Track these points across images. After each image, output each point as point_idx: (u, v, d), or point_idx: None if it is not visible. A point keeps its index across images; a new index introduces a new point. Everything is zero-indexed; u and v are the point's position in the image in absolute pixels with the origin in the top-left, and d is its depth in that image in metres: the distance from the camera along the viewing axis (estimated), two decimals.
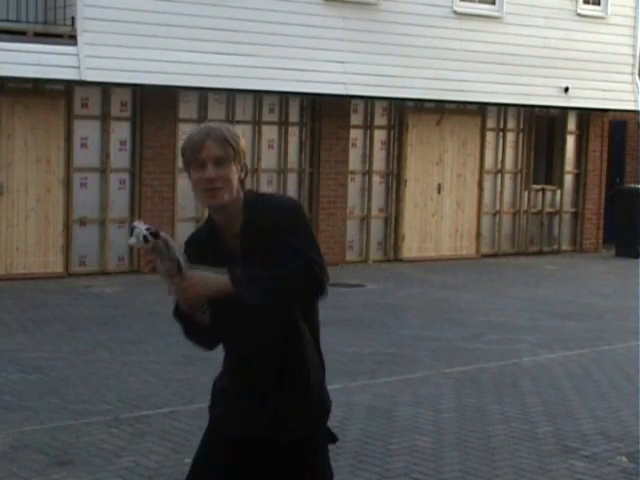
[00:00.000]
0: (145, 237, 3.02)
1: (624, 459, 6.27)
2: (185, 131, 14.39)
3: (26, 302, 11.59)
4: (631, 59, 18.13)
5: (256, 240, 3.18)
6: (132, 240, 3.06)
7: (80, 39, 12.83)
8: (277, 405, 3.25)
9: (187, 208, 14.54)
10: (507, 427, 6.89)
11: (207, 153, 3.16)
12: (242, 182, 3.25)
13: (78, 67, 12.77)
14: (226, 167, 3.17)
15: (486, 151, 17.39)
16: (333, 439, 3.43)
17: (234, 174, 3.19)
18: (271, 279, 3.10)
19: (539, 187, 18.23)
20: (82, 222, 13.74)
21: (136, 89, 13.84)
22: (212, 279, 3.11)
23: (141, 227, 3.04)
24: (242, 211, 3.23)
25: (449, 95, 16.05)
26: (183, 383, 7.92)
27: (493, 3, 16.61)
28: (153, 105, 14.00)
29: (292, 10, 14.48)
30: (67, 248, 13.58)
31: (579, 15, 17.53)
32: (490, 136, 17.47)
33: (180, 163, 12.85)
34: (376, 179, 16.31)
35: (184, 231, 14.42)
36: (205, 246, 3.28)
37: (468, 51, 16.05)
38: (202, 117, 14.54)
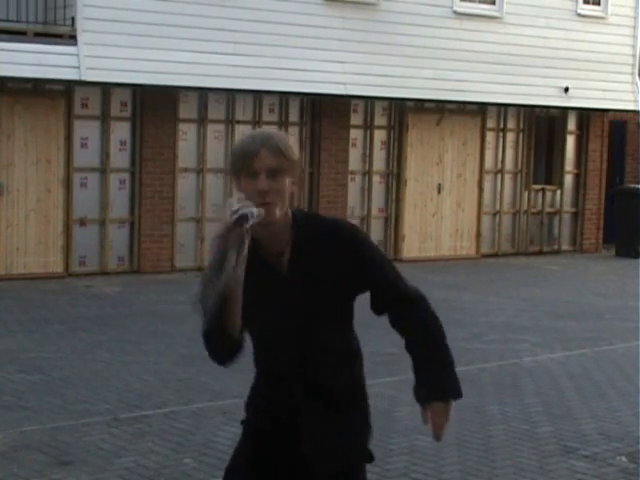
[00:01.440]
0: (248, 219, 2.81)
1: (624, 459, 6.27)
2: (185, 131, 14.43)
3: (26, 302, 11.59)
4: (631, 59, 18.13)
5: (307, 263, 3.05)
6: (252, 211, 2.83)
7: (80, 39, 12.82)
8: (310, 436, 3.16)
9: (187, 208, 14.54)
10: (507, 427, 6.89)
11: (261, 163, 2.95)
12: (292, 196, 3.08)
13: (78, 67, 12.77)
14: (280, 179, 2.97)
15: (486, 151, 17.39)
16: (370, 458, 3.38)
17: (287, 187, 2.99)
18: (448, 361, 3.30)
19: (539, 187, 18.23)
20: (82, 222, 13.73)
21: (136, 89, 13.84)
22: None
23: (252, 211, 2.84)
24: (289, 228, 3.06)
25: (449, 95, 16.04)
26: (183, 383, 7.92)
27: (493, 3, 16.61)
28: (153, 105, 14.00)
29: (292, 10, 14.48)
30: (67, 248, 13.57)
31: (579, 15, 17.53)
32: (490, 136, 17.47)
33: (180, 163, 12.85)
34: (376, 179, 16.31)
35: (184, 231, 14.46)
36: (254, 266, 3.03)
37: (468, 51, 16.05)
38: (202, 117, 14.55)
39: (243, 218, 2.82)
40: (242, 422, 3.35)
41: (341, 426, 3.22)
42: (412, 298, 3.25)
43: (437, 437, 3.20)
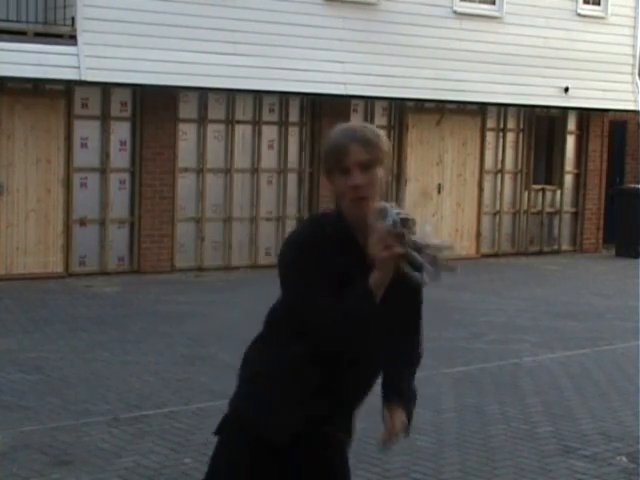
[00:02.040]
0: (395, 222, 2.79)
1: (624, 459, 6.27)
2: (185, 131, 14.43)
3: (26, 302, 11.59)
4: (631, 59, 18.13)
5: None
6: (387, 222, 2.79)
7: (80, 39, 12.82)
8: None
9: (187, 208, 14.53)
10: (507, 427, 6.89)
11: (352, 158, 2.91)
12: (385, 186, 3.05)
13: (78, 67, 12.77)
14: (372, 172, 2.93)
15: (486, 151, 17.39)
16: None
17: (381, 179, 2.96)
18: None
19: (539, 187, 18.23)
20: (82, 222, 13.73)
21: (136, 89, 13.84)
22: None
23: (393, 211, 2.83)
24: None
25: (449, 95, 16.04)
26: (183, 383, 7.92)
27: (493, 3, 16.61)
28: (153, 105, 14.00)
29: (292, 10, 14.48)
30: (67, 248, 13.57)
31: (579, 15, 17.53)
32: (490, 136, 17.47)
33: (180, 163, 12.88)
34: None
35: (184, 231, 14.46)
36: (337, 245, 2.98)
37: (468, 51, 16.05)
38: (202, 117, 14.55)
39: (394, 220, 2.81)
40: (222, 430, 3.25)
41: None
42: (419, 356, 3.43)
43: (386, 442, 3.20)
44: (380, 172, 2.96)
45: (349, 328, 2.87)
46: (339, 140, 2.95)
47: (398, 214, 2.82)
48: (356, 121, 2.93)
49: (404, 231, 2.81)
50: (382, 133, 3.02)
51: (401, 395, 3.21)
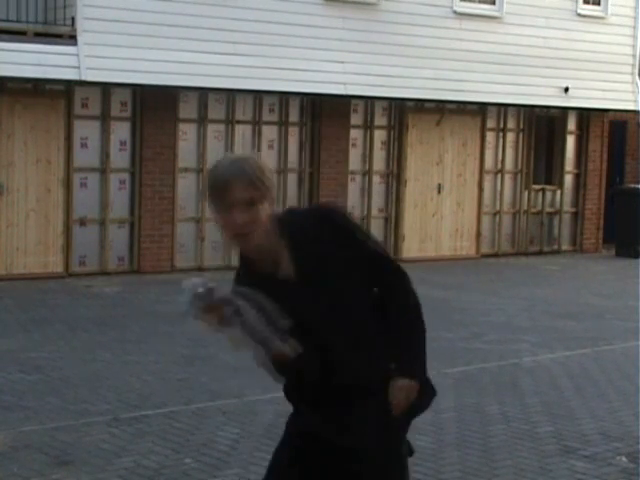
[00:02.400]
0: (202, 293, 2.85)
1: (624, 459, 6.27)
2: (185, 131, 14.43)
3: (26, 302, 11.59)
4: (631, 59, 18.13)
5: (310, 263, 3.07)
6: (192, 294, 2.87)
7: (80, 39, 12.82)
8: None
9: (187, 208, 14.53)
10: (507, 427, 6.89)
11: (234, 197, 2.95)
12: (270, 216, 3.07)
13: (78, 67, 12.77)
14: (255, 208, 2.97)
15: (486, 151, 17.39)
16: (410, 451, 3.44)
17: (264, 212, 2.99)
18: (418, 326, 3.29)
19: (539, 187, 18.23)
20: (82, 222, 13.73)
21: (136, 89, 13.84)
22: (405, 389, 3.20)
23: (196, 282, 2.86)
24: (278, 238, 3.07)
25: (449, 95, 16.04)
26: (183, 383, 7.92)
27: (493, 3, 16.61)
28: (153, 105, 14.00)
29: (292, 10, 14.48)
30: (67, 248, 13.57)
31: (579, 15, 17.53)
32: (490, 136, 17.47)
33: (180, 163, 12.88)
34: (376, 179, 16.31)
35: (184, 231, 14.45)
36: (254, 280, 3.07)
37: (468, 51, 16.05)
38: (202, 117, 14.55)
39: (211, 295, 2.86)
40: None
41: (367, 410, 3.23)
42: (399, 273, 3.25)
43: (394, 411, 3.21)
44: (260, 208, 2.98)
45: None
46: (221, 177, 2.98)
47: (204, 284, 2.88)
48: (241, 153, 2.99)
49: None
50: (265, 166, 3.04)
51: (396, 358, 3.22)
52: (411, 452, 3.34)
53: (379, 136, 16.30)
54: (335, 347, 3.10)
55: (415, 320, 3.28)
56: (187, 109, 14.49)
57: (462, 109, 17.02)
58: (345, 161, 15.80)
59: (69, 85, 13.27)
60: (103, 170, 13.82)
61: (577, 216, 18.79)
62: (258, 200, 2.97)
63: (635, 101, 18.16)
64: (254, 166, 3.00)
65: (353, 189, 16.04)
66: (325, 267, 3.06)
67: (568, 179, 18.67)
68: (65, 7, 13.06)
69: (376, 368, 3.19)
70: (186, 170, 14.45)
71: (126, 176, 14.05)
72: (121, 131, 13.95)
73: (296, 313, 3.03)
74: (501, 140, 17.63)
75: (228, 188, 2.95)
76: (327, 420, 3.17)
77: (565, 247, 18.65)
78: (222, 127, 14.79)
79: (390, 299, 3.23)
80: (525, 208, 18.01)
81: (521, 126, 17.88)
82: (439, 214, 16.91)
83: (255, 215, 2.97)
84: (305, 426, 3.22)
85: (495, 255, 17.52)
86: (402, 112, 16.38)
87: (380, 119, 16.30)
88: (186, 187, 14.51)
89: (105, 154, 13.79)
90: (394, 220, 16.47)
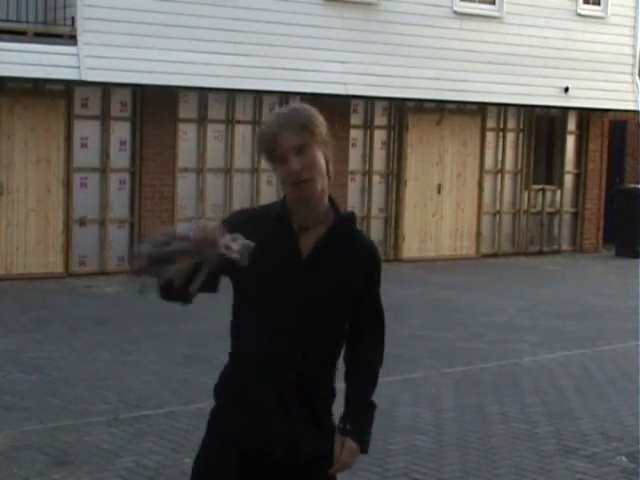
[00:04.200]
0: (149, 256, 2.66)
1: (624, 459, 6.27)
2: (185, 131, 14.43)
3: (26, 302, 11.59)
4: (631, 59, 18.13)
5: (333, 253, 2.98)
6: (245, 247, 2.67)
7: (80, 39, 12.83)
8: (297, 421, 3.03)
9: (187, 208, 14.53)
10: (507, 427, 6.89)
11: (284, 146, 2.89)
12: (328, 168, 2.96)
13: (78, 67, 12.77)
14: (309, 153, 2.89)
15: (486, 151, 17.39)
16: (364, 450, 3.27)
17: (320, 158, 2.91)
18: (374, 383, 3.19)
19: (539, 187, 18.23)
20: (82, 222, 13.73)
21: (136, 89, 13.84)
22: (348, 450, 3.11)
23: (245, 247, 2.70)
24: (327, 210, 3.00)
25: (449, 95, 16.05)
26: (183, 383, 7.92)
27: (493, 3, 16.61)
28: (153, 105, 14.00)
29: (292, 10, 14.48)
30: (67, 248, 13.57)
31: (579, 15, 17.53)
32: (490, 136, 17.47)
33: (180, 163, 12.87)
34: (376, 179, 16.31)
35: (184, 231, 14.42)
36: (264, 226, 2.96)
37: (468, 51, 16.05)
38: (202, 117, 14.55)
39: (238, 253, 2.68)
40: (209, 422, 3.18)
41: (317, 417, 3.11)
42: (381, 324, 3.23)
43: (338, 469, 3.14)
44: (316, 152, 2.91)
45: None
46: (269, 128, 2.95)
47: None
48: (294, 104, 2.85)
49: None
50: (316, 114, 2.97)
51: (354, 418, 3.15)
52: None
53: (379, 136, 16.30)
54: (302, 342, 2.99)
55: (376, 377, 3.24)
56: (187, 109, 14.49)
57: (462, 109, 17.02)
58: (345, 161, 15.80)
59: (69, 85, 13.27)
60: (103, 170, 13.82)
61: (577, 216, 18.79)
62: (311, 144, 2.90)
63: (635, 101, 18.16)
64: (304, 112, 2.96)
65: (353, 189, 16.04)
66: (337, 272, 3.00)
67: (568, 179, 18.67)
68: (65, 7, 13.06)
69: (328, 370, 3.11)
70: (186, 170, 14.45)
71: (126, 176, 14.05)
72: (121, 131, 13.95)
73: (285, 288, 2.96)
74: (501, 140, 17.63)
75: (278, 137, 2.90)
76: (279, 428, 3.02)
77: (565, 247, 18.65)
78: (222, 127, 14.79)
79: (367, 343, 3.20)
80: (525, 208, 18.01)
81: (521, 126, 17.88)
82: (439, 214, 16.91)
83: (312, 159, 2.90)
84: (248, 442, 3.04)
85: (495, 255, 17.52)
86: (402, 112, 16.38)
87: (380, 119, 16.30)
88: (186, 187, 14.51)
89: (105, 154, 13.79)
90: (394, 220, 16.47)
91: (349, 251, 3.02)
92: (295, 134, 2.89)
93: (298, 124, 2.90)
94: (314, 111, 2.98)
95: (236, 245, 2.66)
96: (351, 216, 3.12)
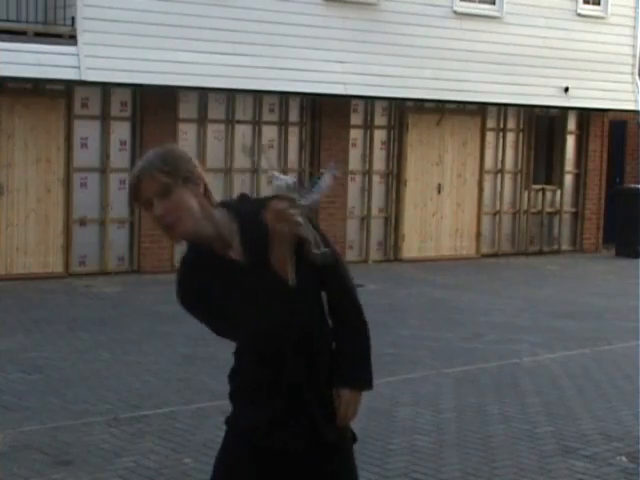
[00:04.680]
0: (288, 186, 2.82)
1: (624, 459, 6.27)
2: (185, 131, 14.43)
3: (26, 302, 11.59)
4: (631, 59, 18.13)
5: (259, 244, 3.00)
6: (280, 184, 2.82)
7: (80, 39, 12.82)
8: (313, 412, 3.09)
9: None
10: (507, 427, 6.89)
11: (145, 193, 2.93)
12: (207, 195, 3.00)
13: (78, 67, 12.77)
14: (171, 196, 2.91)
15: (486, 151, 17.39)
16: (354, 438, 3.33)
17: (184, 197, 2.92)
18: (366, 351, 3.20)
19: (539, 187, 18.23)
20: (82, 222, 13.73)
21: (136, 89, 13.84)
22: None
23: (283, 177, 2.84)
24: (228, 220, 3.02)
25: (449, 95, 16.05)
26: (183, 383, 7.92)
27: (493, 3, 16.61)
28: (153, 105, 14.00)
29: (292, 10, 14.48)
30: (67, 248, 13.57)
31: (579, 15, 17.53)
32: (490, 136, 17.47)
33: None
34: (376, 179, 16.31)
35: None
36: (203, 267, 3.05)
37: (468, 51, 16.05)
38: (202, 117, 14.55)
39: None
40: (226, 422, 3.25)
41: (329, 403, 3.16)
42: (348, 295, 3.24)
43: (340, 422, 3.16)
44: (181, 191, 2.92)
45: None
46: (133, 177, 2.98)
47: (290, 180, 2.84)
48: (160, 147, 2.90)
49: (295, 196, 2.84)
50: (180, 152, 3.01)
51: (340, 364, 3.15)
52: (355, 438, 3.31)
53: (379, 136, 16.30)
54: (283, 336, 3.05)
55: (364, 333, 3.24)
56: (187, 109, 14.49)
57: (462, 109, 17.02)
58: (345, 161, 15.80)
59: (69, 85, 13.27)
60: (103, 170, 13.82)
61: (577, 216, 18.79)
62: (171, 187, 2.91)
63: (635, 101, 18.16)
64: (160, 156, 2.97)
65: (353, 189, 16.04)
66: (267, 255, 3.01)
67: (568, 179, 18.67)
68: (65, 7, 13.06)
69: (323, 365, 3.13)
70: None
71: (126, 176, 14.02)
72: (121, 131, 13.95)
73: (245, 295, 3.00)
74: (501, 140, 17.63)
75: (139, 185, 2.94)
76: (283, 421, 3.09)
77: (565, 247, 18.65)
78: (222, 127, 14.79)
79: (340, 309, 3.20)
80: (525, 208, 18.01)
81: (521, 126, 17.88)
82: (439, 214, 16.91)
83: (174, 202, 2.91)
84: (264, 439, 3.11)
85: (495, 255, 17.52)
86: (402, 112, 16.38)
87: (380, 119, 16.30)
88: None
89: (105, 154, 13.79)
90: (394, 220, 16.47)
91: (263, 230, 3.00)
92: (153, 181, 2.91)
93: (151, 172, 2.92)
94: (176, 151, 3.01)
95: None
96: (235, 202, 3.11)
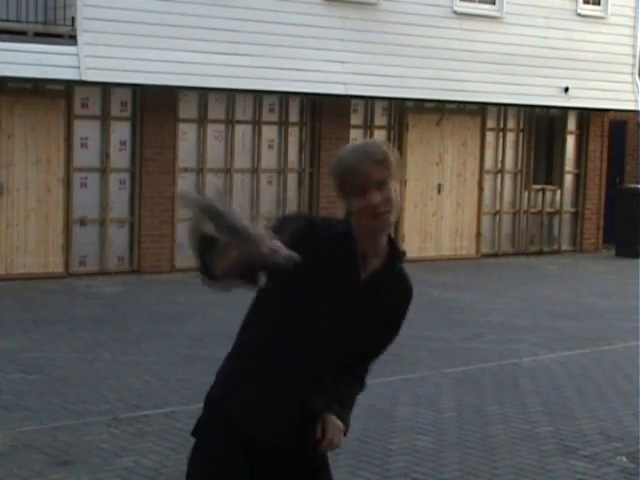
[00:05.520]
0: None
1: (624, 459, 6.27)
2: (185, 131, 14.43)
3: (26, 302, 11.59)
4: (631, 59, 18.13)
5: (383, 287, 3.11)
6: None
7: (80, 39, 12.82)
8: (304, 416, 3.13)
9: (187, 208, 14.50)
10: (507, 427, 6.89)
11: (368, 178, 2.98)
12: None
13: (78, 67, 12.77)
14: (387, 187, 3.00)
15: (486, 151, 17.39)
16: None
17: (395, 193, 3.04)
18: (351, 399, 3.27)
19: (539, 187, 18.23)
20: (82, 222, 13.73)
21: (136, 89, 13.84)
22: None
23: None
24: (384, 247, 3.12)
25: (449, 95, 16.05)
26: (183, 383, 7.92)
27: (493, 3, 16.61)
28: (153, 105, 14.00)
29: (292, 10, 14.48)
30: (67, 248, 13.57)
31: (579, 15, 17.53)
32: (490, 136, 17.47)
33: (180, 163, 12.86)
34: None
35: (184, 231, 14.44)
36: (327, 243, 3.06)
37: (468, 51, 16.05)
38: (202, 117, 14.55)
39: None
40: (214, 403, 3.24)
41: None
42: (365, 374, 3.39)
43: (323, 448, 3.18)
44: (394, 186, 3.04)
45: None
46: (353, 162, 3.02)
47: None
48: (364, 139, 2.95)
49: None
50: (390, 147, 3.09)
51: (337, 399, 3.21)
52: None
53: (379, 136, 16.27)
54: (326, 360, 3.12)
55: (361, 389, 3.35)
56: (187, 109, 14.49)
57: (462, 109, 17.02)
58: None
59: (69, 85, 13.27)
60: (103, 170, 13.82)
61: (577, 216, 18.79)
62: (390, 179, 3.02)
63: (635, 101, 18.16)
64: (383, 146, 3.07)
65: None
66: (383, 304, 3.14)
67: (568, 179, 18.67)
68: (65, 7, 13.06)
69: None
70: (186, 170, 14.45)
71: (126, 176, 14.05)
72: (121, 131, 13.95)
73: (334, 308, 3.05)
74: (501, 140, 17.63)
75: (363, 170, 2.99)
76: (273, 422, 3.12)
77: (565, 247, 18.65)
78: (222, 127, 14.79)
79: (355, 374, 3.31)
80: (525, 208, 18.01)
81: (521, 126, 17.88)
82: (439, 214, 16.91)
83: (389, 194, 3.01)
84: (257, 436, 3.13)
85: (495, 255, 17.52)
86: (402, 112, 16.38)
87: (380, 119, 16.30)
88: (186, 187, 14.49)
89: (105, 154, 13.79)
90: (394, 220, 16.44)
91: (395, 290, 3.18)
92: (378, 169, 2.99)
93: (381, 159, 3.01)
94: (390, 146, 3.11)
95: (283, 251, 2.73)
96: (402, 255, 3.23)
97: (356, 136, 15.99)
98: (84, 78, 12.82)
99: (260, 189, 15.07)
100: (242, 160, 14.96)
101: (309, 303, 3.05)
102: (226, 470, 3.10)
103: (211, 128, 14.68)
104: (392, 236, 3.19)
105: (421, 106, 16.54)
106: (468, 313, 11.62)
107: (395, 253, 3.16)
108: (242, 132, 14.95)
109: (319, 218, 3.31)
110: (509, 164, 17.80)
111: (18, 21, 12.81)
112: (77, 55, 12.78)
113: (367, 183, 2.98)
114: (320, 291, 3.05)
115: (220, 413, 3.16)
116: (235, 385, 3.16)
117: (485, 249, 17.52)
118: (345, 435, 3.22)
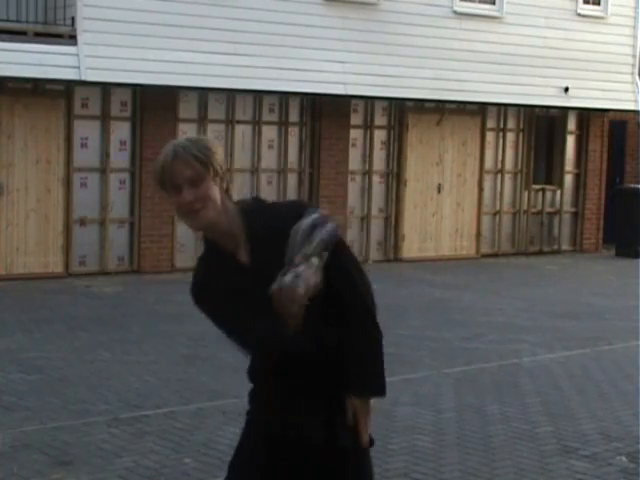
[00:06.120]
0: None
1: (624, 459, 6.27)
2: (185, 131, 14.42)
3: (26, 302, 11.59)
4: (631, 59, 18.13)
5: (264, 250, 3.02)
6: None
7: (80, 39, 12.83)
8: (332, 409, 3.13)
9: None
10: (507, 427, 6.89)
11: (178, 176, 2.99)
12: (227, 192, 3.08)
13: (78, 67, 12.77)
14: (202, 185, 2.98)
15: (486, 151, 17.39)
16: (372, 442, 3.36)
17: (212, 189, 2.99)
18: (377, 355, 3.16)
19: (539, 187, 18.23)
20: (82, 222, 13.73)
21: (136, 89, 13.84)
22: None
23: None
24: (239, 220, 3.06)
25: (449, 95, 16.05)
26: (183, 383, 7.92)
27: (493, 3, 16.61)
28: (153, 105, 14.00)
29: (292, 10, 14.48)
30: (67, 248, 13.57)
31: (579, 15, 17.53)
32: (490, 136, 17.47)
33: None
34: (376, 179, 16.31)
35: (184, 231, 14.45)
36: (216, 266, 3.10)
37: (468, 51, 16.05)
38: (202, 117, 14.55)
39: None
40: (247, 413, 3.31)
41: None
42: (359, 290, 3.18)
43: (361, 441, 3.21)
44: (210, 183, 2.99)
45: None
46: (166, 161, 3.04)
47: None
48: (189, 135, 2.93)
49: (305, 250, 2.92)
50: (209, 144, 3.06)
51: (350, 374, 3.14)
52: (372, 443, 3.33)
53: (379, 136, 16.30)
54: (299, 345, 3.03)
55: (374, 336, 3.18)
56: (187, 109, 14.49)
57: (462, 109, 17.02)
58: (345, 161, 15.80)
59: (69, 85, 13.27)
60: (103, 170, 13.82)
61: (577, 216, 18.79)
62: (203, 176, 2.99)
63: (635, 101, 18.16)
64: (196, 143, 3.05)
65: (353, 189, 16.04)
66: (276, 259, 2.96)
67: (568, 179, 18.67)
68: (65, 7, 13.06)
69: (332, 371, 3.13)
70: None
71: (126, 176, 14.05)
72: (121, 131, 13.95)
73: (248, 298, 3.02)
74: (501, 140, 17.63)
75: (173, 169, 3.01)
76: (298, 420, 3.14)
77: (565, 247, 18.65)
78: (222, 127, 14.79)
79: (352, 326, 3.14)
80: (525, 208, 18.01)
81: (521, 126, 17.88)
82: (439, 214, 16.91)
83: (204, 191, 2.98)
84: (281, 428, 3.16)
85: (495, 255, 17.52)
86: (402, 112, 16.38)
87: (380, 119, 16.30)
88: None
89: (105, 154, 13.79)
90: (394, 220, 16.47)
91: (273, 240, 3.00)
92: (188, 166, 2.99)
93: (190, 157, 2.99)
94: (209, 142, 3.07)
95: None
96: (249, 204, 3.14)
97: (356, 136, 16.01)
98: (84, 78, 12.82)
99: (260, 189, 15.07)
100: (242, 160, 14.96)
101: (241, 319, 3.05)
102: (246, 447, 3.21)
103: (211, 128, 14.68)
104: (239, 204, 3.11)
105: (421, 106, 16.54)
106: (468, 313, 11.62)
107: (249, 221, 3.06)
108: (242, 132, 14.96)
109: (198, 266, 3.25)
110: (509, 164, 17.80)
111: (18, 21, 12.81)
112: (77, 55, 12.78)
113: (180, 181, 2.99)
114: (237, 304, 3.04)
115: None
116: (258, 404, 3.28)
117: (485, 249, 17.53)
118: (381, 394, 3.23)
